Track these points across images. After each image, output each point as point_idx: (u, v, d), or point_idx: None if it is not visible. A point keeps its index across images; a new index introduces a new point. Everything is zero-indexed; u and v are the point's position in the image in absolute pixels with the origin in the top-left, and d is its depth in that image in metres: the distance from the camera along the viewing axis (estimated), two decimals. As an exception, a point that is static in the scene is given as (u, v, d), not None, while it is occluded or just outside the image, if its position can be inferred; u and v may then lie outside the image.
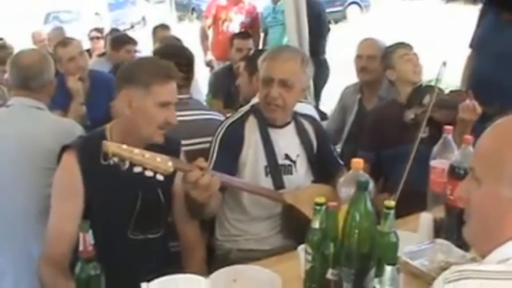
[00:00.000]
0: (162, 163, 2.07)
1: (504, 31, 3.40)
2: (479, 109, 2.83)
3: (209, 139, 2.86)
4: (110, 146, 2.01)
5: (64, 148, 2.34)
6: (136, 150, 2.04)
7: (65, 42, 4.19)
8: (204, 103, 4.45)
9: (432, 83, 3.06)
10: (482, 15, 3.70)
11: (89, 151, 2.27)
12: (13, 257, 2.79)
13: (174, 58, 2.95)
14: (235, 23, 6.58)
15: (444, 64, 2.86)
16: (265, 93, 2.62)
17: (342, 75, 4.39)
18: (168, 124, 2.33)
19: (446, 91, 3.36)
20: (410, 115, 3.13)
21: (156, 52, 3.34)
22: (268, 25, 6.68)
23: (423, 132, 2.88)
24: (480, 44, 3.49)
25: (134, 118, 2.28)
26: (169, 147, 2.39)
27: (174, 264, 2.44)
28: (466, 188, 1.40)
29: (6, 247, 2.80)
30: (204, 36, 6.85)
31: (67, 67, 4.00)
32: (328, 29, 6.59)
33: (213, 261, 2.68)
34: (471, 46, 3.64)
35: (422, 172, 2.48)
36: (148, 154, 2.05)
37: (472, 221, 1.39)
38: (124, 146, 2.03)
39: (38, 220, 2.42)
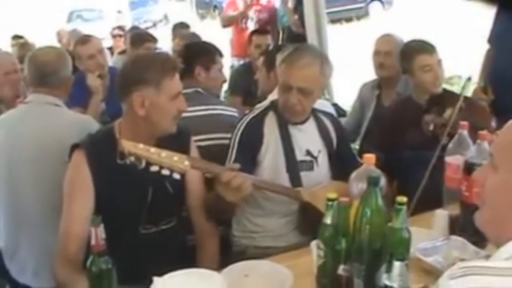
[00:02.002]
0: (179, 161, 2.09)
1: None
2: None
3: (214, 135, 2.87)
4: (127, 145, 2.03)
5: (74, 147, 2.36)
6: (153, 149, 2.06)
7: (84, 40, 4.23)
8: (223, 99, 4.47)
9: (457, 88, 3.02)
10: (499, 10, 3.66)
11: (98, 149, 2.29)
12: (32, 252, 2.84)
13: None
14: (254, 21, 6.56)
15: (469, 79, 2.81)
16: (284, 99, 2.61)
17: (364, 71, 4.37)
18: (181, 113, 2.37)
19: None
20: (429, 124, 3.05)
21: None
22: (285, 24, 6.67)
23: (444, 140, 2.85)
24: (497, 40, 3.45)
25: (149, 117, 2.29)
26: (179, 138, 2.44)
27: (190, 258, 2.48)
28: (483, 172, 1.41)
29: (26, 242, 2.86)
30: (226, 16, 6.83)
31: (87, 64, 4.04)
32: None
33: (229, 257, 2.69)
34: (489, 41, 3.60)
35: (441, 178, 2.46)
36: (164, 153, 2.07)
37: (484, 207, 1.40)
38: (141, 145, 2.05)
39: (57, 215, 2.44)
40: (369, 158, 2.01)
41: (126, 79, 2.34)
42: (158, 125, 2.32)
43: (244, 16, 6.47)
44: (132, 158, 2.03)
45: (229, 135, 2.76)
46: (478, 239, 2.11)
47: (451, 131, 2.79)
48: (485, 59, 3.66)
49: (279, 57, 2.67)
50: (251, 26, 6.46)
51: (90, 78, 3.91)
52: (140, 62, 2.39)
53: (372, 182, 1.77)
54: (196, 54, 3.34)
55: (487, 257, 1.93)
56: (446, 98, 3.08)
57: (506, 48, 3.42)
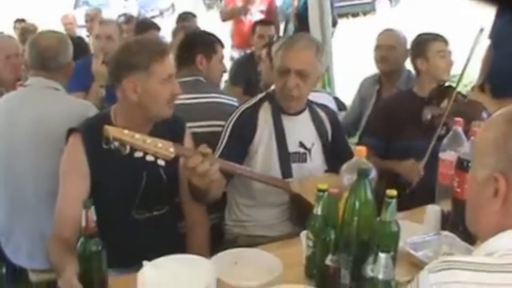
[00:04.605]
0: (163, 148, 2.07)
1: None
2: None
3: (213, 122, 2.88)
4: (111, 130, 2.03)
5: (71, 130, 2.38)
6: (137, 135, 2.05)
7: (105, 21, 4.45)
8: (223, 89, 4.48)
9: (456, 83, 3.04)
10: (499, 12, 3.64)
11: (93, 134, 2.28)
12: (27, 234, 2.86)
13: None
14: (254, 11, 6.49)
15: (482, 30, 2.82)
16: (282, 83, 2.62)
17: (368, 66, 4.37)
18: (175, 96, 2.37)
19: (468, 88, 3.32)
20: (427, 115, 3.09)
21: None
22: (288, 16, 6.65)
23: (441, 131, 2.87)
24: (497, 39, 3.45)
25: (142, 102, 2.30)
26: (174, 126, 2.47)
27: (181, 245, 2.49)
28: None
29: (21, 223, 2.88)
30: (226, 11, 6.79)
31: (101, 44, 4.14)
32: (335, 23, 6.54)
33: (221, 245, 2.70)
34: (490, 37, 3.58)
35: (436, 168, 2.47)
36: (149, 140, 2.06)
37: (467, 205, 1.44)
38: (126, 131, 2.04)
39: (51, 198, 2.46)
40: (361, 150, 2.02)
41: (116, 65, 2.36)
42: (152, 109, 2.33)
43: (244, 11, 6.42)
44: (117, 144, 2.02)
45: None
46: (469, 235, 2.12)
47: (447, 121, 2.82)
48: (486, 56, 3.64)
49: (275, 46, 2.69)
50: (252, 16, 6.41)
51: (94, 63, 3.91)
52: (129, 47, 2.39)
53: (362, 174, 1.78)
54: (197, 43, 3.35)
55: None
56: (446, 91, 3.10)
57: (506, 51, 3.41)
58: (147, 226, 2.42)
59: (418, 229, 2.28)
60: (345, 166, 2.06)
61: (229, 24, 6.81)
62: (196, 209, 2.55)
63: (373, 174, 1.89)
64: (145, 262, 1.86)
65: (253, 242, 2.53)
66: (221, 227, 2.86)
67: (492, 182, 1.29)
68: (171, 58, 2.37)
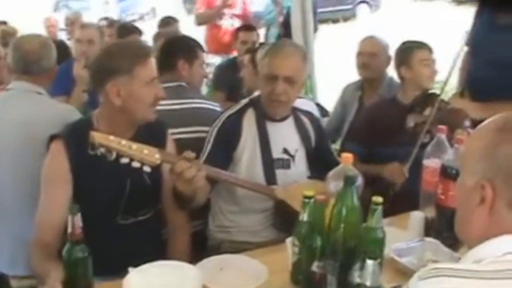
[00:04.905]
0: (149, 155, 2.07)
1: (498, 36, 3.37)
2: None
3: (197, 128, 2.88)
4: (97, 137, 2.02)
5: (52, 137, 2.35)
6: (123, 142, 2.05)
7: (85, 25, 4.39)
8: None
9: (439, 90, 3.07)
10: (478, 14, 3.66)
11: (76, 140, 2.27)
12: (8, 239, 2.82)
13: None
14: (228, 16, 6.40)
15: (462, 48, 2.85)
16: (270, 90, 2.62)
17: (349, 72, 4.40)
18: (158, 99, 2.35)
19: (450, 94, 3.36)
20: (410, 122, 3.11)
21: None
22: (269, 21, 6.63)
23: (424, 138, 2.90)
24: (474, 46, 3.47)
25: (125, 105, 2.28)
26: (156, 131, 2.45)
27: (166, 251, 2.49)
28: None
29: (2, 229, 2.84)
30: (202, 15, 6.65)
31: (83, 48, 4.10)
32: (316, 29, 6.56)
33: (204, 251, 2.70)
34: (467, 44, 3.61)
35: (420, 175, 2.49)
36: (135, 146, 2.06)
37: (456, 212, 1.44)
38: (111, 137, 2.04)
39: (34, 204, 2.43)
40: (347, 157, 2.03)
41: (98, 69, 2.33)
42: (136, 113, 2.30)
43: (219, 14, 6.35)
44: (102, 150, 2.02)
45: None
46: (453, 241, 2.14)
47: (430, 128, 2.85)
48: (464, 62, 3.66)
49: (260, 52, 2.70)
50: (226, 22, 6.38)
51: (76, 68, 3.88)
52: (111, 51, 2.36)
53: (349, 181, 1.79)
54: (178, 48, 3.34)
55: (460, 259, 1.97)
56: (429, 99, 3.13)
57: (484, 56, 3.43)
58: (132, 231, 2.40)
59: (402, 236, 2.30)
60: (331, 173, 2.07)
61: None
62: (177, 215, 2.53)
63: (359, 181, 1.90)
64: (130, 269, 1.85)
65: (237, 248, 2.53)
66: (204, 233, 2.85)
67: (479, 189, 1.30)
68: (153, 61, 2.35)
